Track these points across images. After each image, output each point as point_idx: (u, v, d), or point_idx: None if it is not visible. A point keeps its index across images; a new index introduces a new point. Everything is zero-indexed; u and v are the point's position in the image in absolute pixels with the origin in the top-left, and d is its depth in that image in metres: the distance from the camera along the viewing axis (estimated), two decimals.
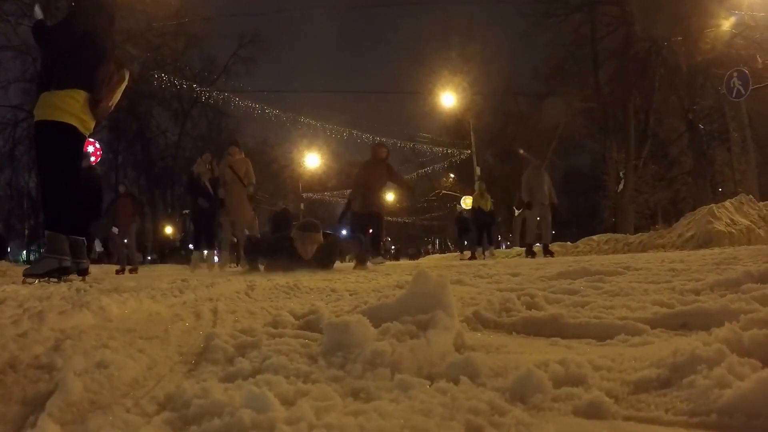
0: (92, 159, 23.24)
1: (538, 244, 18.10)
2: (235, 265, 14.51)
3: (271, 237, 12.39)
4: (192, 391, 1.82)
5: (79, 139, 6.38)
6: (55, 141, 6.10)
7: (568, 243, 19.24)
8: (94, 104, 6.38)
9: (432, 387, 1.80)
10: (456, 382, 1.81)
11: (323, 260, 9.06)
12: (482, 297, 3.57)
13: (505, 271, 5.24)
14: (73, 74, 6.31)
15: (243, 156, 14.08)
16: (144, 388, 2.02)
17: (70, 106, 6.19)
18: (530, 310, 3.04)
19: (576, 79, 39.03)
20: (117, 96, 6.70)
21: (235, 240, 14.51)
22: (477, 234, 23.25)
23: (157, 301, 3.38)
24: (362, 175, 13.23)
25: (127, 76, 6.82)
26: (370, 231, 12.98)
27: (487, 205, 22.46)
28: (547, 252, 16.52)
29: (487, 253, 23.02)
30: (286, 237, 9.22)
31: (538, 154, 16.65)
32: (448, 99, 32.02)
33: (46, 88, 6.41)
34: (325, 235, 9.42)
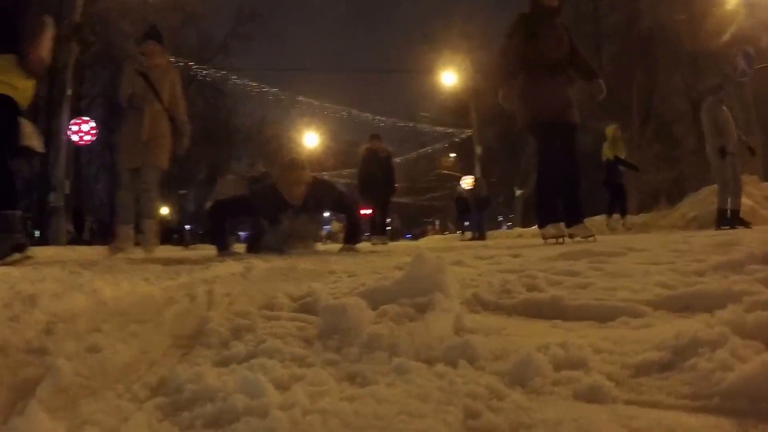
0: (88, 138, 23.00)
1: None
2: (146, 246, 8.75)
3: (246, 192, 10.17)
4: (185, 375, 1.80)
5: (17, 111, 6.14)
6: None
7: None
8: (25, 62, 6.04)
9: (430, 371, 1.78)
10: (454, 365, 1.80)
11: (313, 208, 8.02)
12: (482, 278, 3.56)
13: (505, 252, 5.22)
14: None
15: (167, 61, 8.78)
16: (136, 372, 2.00)
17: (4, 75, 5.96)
18: (531, 291, 3.02)
19: None
20: (46, 45, 6.29)
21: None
22: (614, 192, 18.30)
23: (151, 284, 3.36)
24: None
25: (49, 22, 6.40)
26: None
27: (621, 152, 17.97)
28: (737, 220, 12.78)
29: (620, 221, 18.41)
30: (267, 185, 8.08)
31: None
32: (449, 78, 31.97)
33: None
34: (317, 178, 8.12)
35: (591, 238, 7.32)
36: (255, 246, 8.10)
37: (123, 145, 8.71)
